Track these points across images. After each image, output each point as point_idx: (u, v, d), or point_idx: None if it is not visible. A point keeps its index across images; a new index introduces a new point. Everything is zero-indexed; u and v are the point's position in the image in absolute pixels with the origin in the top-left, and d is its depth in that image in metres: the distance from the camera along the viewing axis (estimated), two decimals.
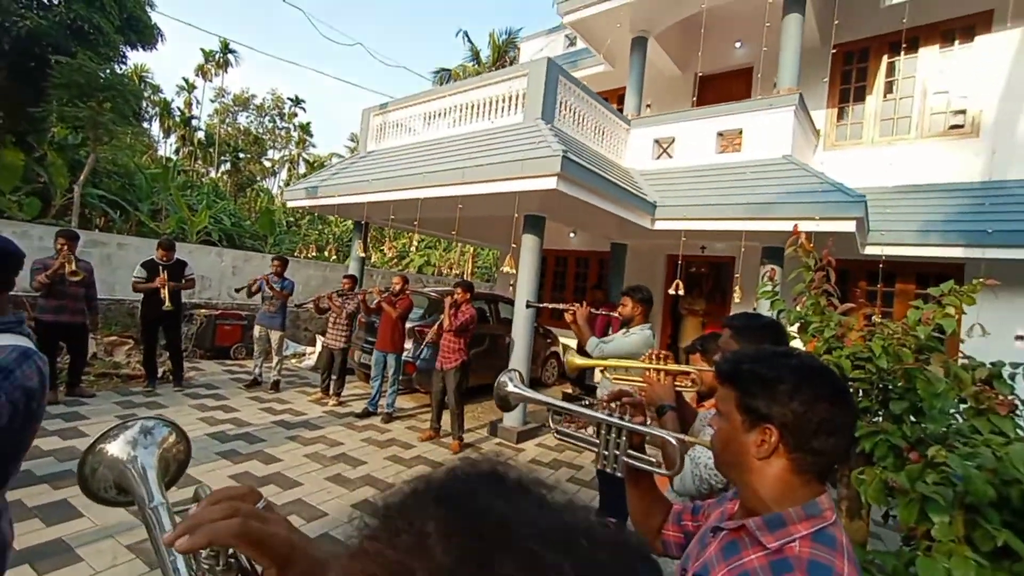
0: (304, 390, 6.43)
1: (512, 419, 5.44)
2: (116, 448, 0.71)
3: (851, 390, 2.45)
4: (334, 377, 6.01)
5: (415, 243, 8.41)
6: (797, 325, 2.91)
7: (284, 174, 32.89)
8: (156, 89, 26.89)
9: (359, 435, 5.01)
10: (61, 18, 10.15)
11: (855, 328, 2.77)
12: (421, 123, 6.68)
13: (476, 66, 19.53)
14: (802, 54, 6.05)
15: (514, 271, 5.04)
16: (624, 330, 3.29)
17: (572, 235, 8.80)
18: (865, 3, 6.53)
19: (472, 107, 6.12)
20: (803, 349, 2.74)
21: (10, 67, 10.33)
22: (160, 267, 5.49)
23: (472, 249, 17.63)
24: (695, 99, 7.36)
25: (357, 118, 7.87)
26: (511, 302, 7.51)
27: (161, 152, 28.63)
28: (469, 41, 19.57)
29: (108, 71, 11.26)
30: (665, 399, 1.97)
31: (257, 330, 6.17)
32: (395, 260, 19.15)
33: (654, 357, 2.27)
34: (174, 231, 13.02)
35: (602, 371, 2.90)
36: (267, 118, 33.45)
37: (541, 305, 3.57)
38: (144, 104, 21.19)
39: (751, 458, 0.87)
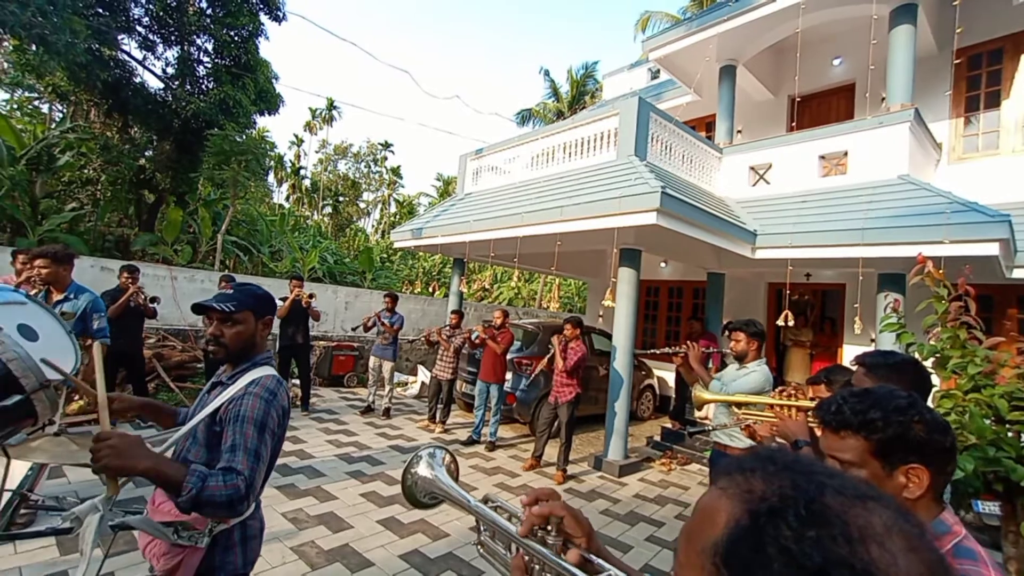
0: (411, 417, 6.90)
1: (615, 452, 5.45)
2: (422, 468, 0.95)
3: (1010, 433, 2.29)
4: (440, 406, 6.40)
5: (497, 276, 8.79)
6: (931, 360, 2.74)
7: (377, 214, 35.64)
8: (273, 146, 30.68)
9: (466, 462, 5.28)
10: (213, 98, 12.11)
11: (1008, 364, 2.56)
12: (516, 165, 7.11)
13: (556, 102, 20.20)
14: (915, 64, 5.72)
15: (613, 304, 5.15)
16: (738, 366, 3.27)
17: (663, 265, 8.73)
18: (993, 2, 6.06)
19: (565, 148, 6.44)
20: (940, 387, 2.58)
21: (177, 141, 12.46)
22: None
23: (556, 280, 17.86)
24: (793, 123, 7.14)
25: (441, 157, 8.54)
26: (604, 334, 7.58)
27: (275, 199, 32.36)
28: (549, 79, 20.35)
29: (244, 136, 13.15)
30: (799, 435, 1.99)
31: (372, 361, 6.76)
32: (480, 292, 19.86)
33: (787, 393, 2.29)
34: (289, 270, 14.62)
35: (727, 407, 2.92)
36: (362, 163, 36.71)
37: (650, 352, 3.63)
38: (266, 161, 24.19)
39: (900, 501, 0.91)
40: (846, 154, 5.88)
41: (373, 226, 34.09)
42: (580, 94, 20.05)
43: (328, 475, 4.49)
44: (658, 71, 10.55)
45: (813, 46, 7.41)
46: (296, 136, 34.47)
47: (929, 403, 1.43)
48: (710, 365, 6.47)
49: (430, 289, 19.57)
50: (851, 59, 7.42)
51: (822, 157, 6.06)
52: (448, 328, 6.45)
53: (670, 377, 8.10)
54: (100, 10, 11.34)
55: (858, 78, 7.33)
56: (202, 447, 1.51)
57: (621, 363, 5.53)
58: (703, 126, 9.39)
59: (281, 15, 13.24)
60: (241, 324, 1.55)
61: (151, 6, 11.92)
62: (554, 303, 21.12)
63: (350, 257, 19.52)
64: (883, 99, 5.91)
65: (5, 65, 13.91)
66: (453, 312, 6.67)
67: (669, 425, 6.79)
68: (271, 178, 33.12)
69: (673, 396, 7.46)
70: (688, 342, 3.38)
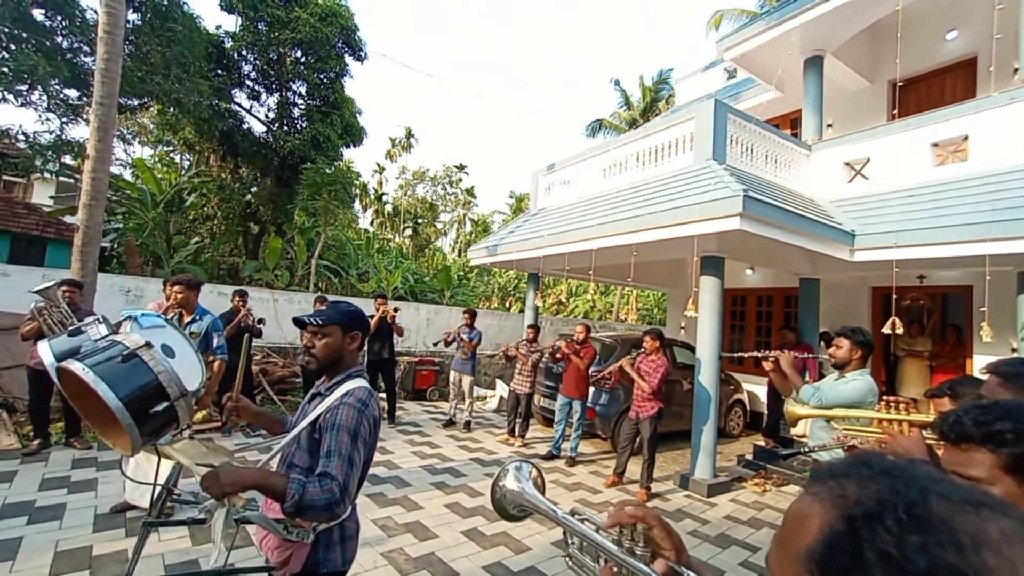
0: (491, 431, 7.01)
1: (702, 471, 5.16)
2: (509, 481, 0.99)
3: None
4: (519, 420, 6.45)
5: (573, 290, 8.72)
6: None
7: (453, 233, 36.99)
8: (358, 175, 33.10)
9: (547, 476, 5.25)
10: (306, 136, 13.40)
11: None
12: (589, 177, 7.09)
13: (628, 111, 19.93)
14: None
15: (695, 314, 4.93)
16: (837, 375, 2.99)
17: (749, 272, 8.21)
18: None
19: (638, 157, 6.33)
20: None
21: (276, 177, 13.91)
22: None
23: (634, 292, 17.40)
24: (895, 111, 6.47)
25: (514, 175, 8.68)
26: (687, 346, 7.25)
27: (361, 224, 34.78)
28: (620, 89, 20.15)
29: (332, 168, 14.35)
30: (915, 452, 1.77)
31: (452, 375, 6.99)
32: (555, 306, 19.83)
33: (895, 405, 2.06)
34: (375, 289, 15.58)
35: (826, 421, 2.68)
36: (439, 186, 38.42)
37: (736, 355, 3.43)
38: (352, 189, 26.12)
39: None
40: (966, 139, 5.22)
41: (450, 245, 35.40)
42: (654, 101, 19.63)
43: (414, 485, 4.68)
44: (735, 71, 10.07)
45: (919, 22, 6.71)
46: (378, 164, 36.92)
47: None
48: (807, 377, 5.98)
49: (506, 304, 19.88)
50: (969, 31, 6.61)
51: (935, 144, 5.42)
52: (525, 343, 6.51)
53: (762, 392, 7.54)
54: (219, 71, 13.02)
55: (980, 51, 6.50)
56: (305, 452, 1.66)
57: (706, 376, 5.26)
58: (788, 123, 8.80)
59: (363, 55, 14.40)
60: (329, 337, 1.70)
61: (257, 62, 13.49)
62: (632, 315, 20.55)
63: (430, 276, 20.40)
64: (1016, 70, 5.19)
65: (150, 126, 16.37)
66: (530, 327, 6.74)
67: (762, 443, 6.30)
68: (357, 205, 35.69)
69: (765, 412, 6.93)
70: (777, 348, 3.14)
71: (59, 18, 9.13)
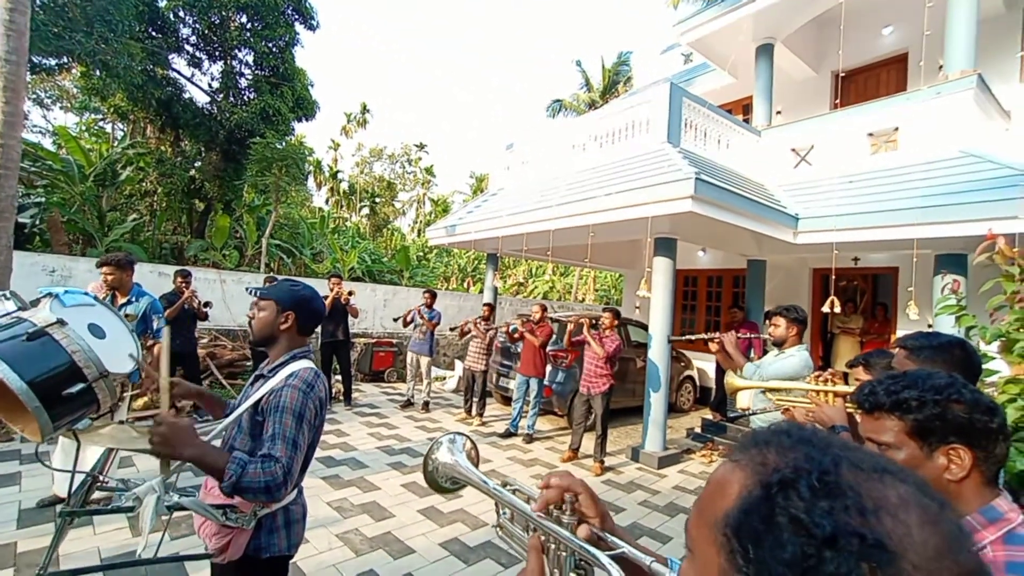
0: (450, 411, 7.02)
1: (653, 444, 5.37)
2: (442, 454, 0.98)
3: None
4: (475, 399, 6.49)
5: (532, 271, 8.78)
6: (997, 344, 2.56)
7: (412, 213, 36.26)
8: (311, 151, 31.73)
9: (504, 454, 5.33)
10: (254, 108, 12.66)
11: None
12: (548, 158, 7.08)
13: (588, 93, 19.95)
14: (978, 26, 5.29)
15: (649, 294, 5.07)
16: (776, 352, 3.16)
17: (701, 253, 8.50)
18: None
19: (596, 138, 6.36)
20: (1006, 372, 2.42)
21: (223, 151, 13.11)
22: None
23: (592, 273, 17.70)
24: (837, 100, 6.77)
25: (476, 155, 8.57)
26: (640, 325, 7.46)
27: (315, 203, 33.50)
28: (581, 69, 20.10)
29: (283, 143, 13.68)
30: (836, 420, 1.93)
31: (409, 356, 6.92)
32: (516, 287, 19.92)
33: (823, 378, 2.20)
34: (330, 270, 15.13)
35: (763, 392, 2.84)
36: (397, 165, 37.43)
37: (684, 338, 3.55)
38: (305, 165, 25.05)
39: (942, 483, 0.86)
40: (896, 129, 5.54)
41: (409, 225, 34.71)
42: (612, 83, 19.71)
43: (371, 466, 4.64)
44: (691, 55, 10.23)
45: (859, 16, 6.99)
46: (333, 140, 35.48)
47: (981, 387, 1.35)
48: (752, 355, 6.29)
49: (465, 285, 19.80)
50: (903, 27, 6.96)
51: (870, 134, 5.73)
52: (481, 319, 6.52)
53: (710, 368, 7.89)
54: (153, 32, 12.02)
55: (911, 47, 6.87)
56: (247, 436, 1.60)
57: (658, 353, 5.44)
58: (740, 109, 9.05)
59: (315, 23, 13.65)
60: (264, 311, 1.65)
61: (198, 25, 12.55)
62: (590, 296, 20.94)
63: (388, 256, 20.00)
64: (940, 67, 5.52)
65: (74, 90, 15.01)
66: (485, 304, 6.75)
67: (710, 416, 6.62)
68: (310, 182, 34.28)
69: (714, 387, 7.27)
70: (720, 330, 3.29)
71: None
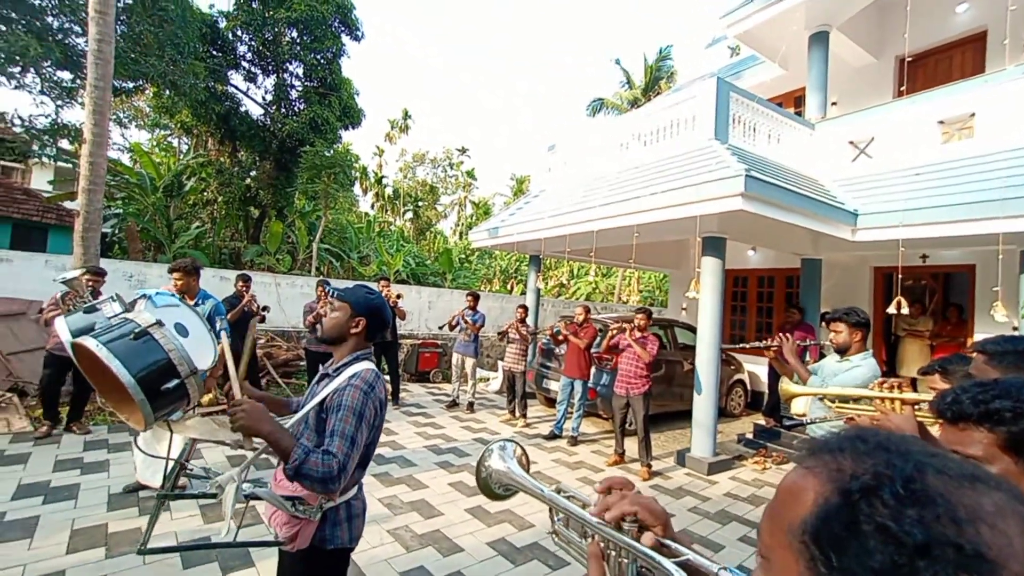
0: (494, 411, 7.09)
1: (702, 449, 5.23)
2: (494, 461, 1.00)
3: None
4: (517, 400, 6.52)
5: (574, 272, 8.71)
6: None
7: (454, 216, 36.82)
8: (357, 158, 32.79)
9: (549, 456, 5.33)
10: (304, 118, 13.24)
11: None
12: (590, 158, 7.03)
13: (629, 90, 19.64)
14: None
15: (697, 295, 4.95)
16: (838, 358, 3.00)
17: (752, 252, 8.20)
18: None
19: (639, 136, 6.27)
20: None
21: (275, 160, 13.80)
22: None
23: (636, 273, 17.40)
24: (902, 87, 6.37)
25: (517, 157, 8.60)
26: (688, 327, 7.28)
27: (361, 208, 34.60)
28: (621, 68, 19.82)
29: (332, 151, 14.24)
30: (907, 430, 1.79)
31: (455, 357, 7.04)
32: (558, 288, 19.85)
33: (889, 385, 2.08)
34: (376, 273, 15.59)
35: (820, 400, 2.71)
36: (439, 168, 38.11)
37: (739, 347, 3.42)
38: (352, 172, 25.92)
39: None
40: (973, 115, 5.16)
41: (451, 228, 35.26)
42: (655, 80, 19.32)
43: (419, 465, 4.75)
44: (738, 48, 9.90)
45: None
46: (377, 147, 36.58)
47: None
48: (807, 358, 6.01)
49: (508, 287, 19.89)
50: (980, 3, 6.46)
51: (941, 122, 5.36)
52: (518, 322, 6.55)
53: (762, 372, 7.59)
54: (214, 52, 12.81)
55: (991, 24, 6.37)
56: (313, 431, 1.69)
57: (706, 356, 5.29)
58: (791, 102, 8.68)
59: (360, 34, 14.13)
60: (338, 312, 1.74)
61: (253, 42, 13.26)
62: (634, 296, 20.58)
63: (431, 259, 20.38)
64: None
65: (147, 109, 16.21)
66: (520, 307, 6.77)
67: (762, 422, 6.37)
68: (357, 188, 35.43)
69: (766, 392, 6.99)
70: (781, 335, 3.14)
71: None
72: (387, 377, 7.19)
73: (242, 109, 13.94)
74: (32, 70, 8.99)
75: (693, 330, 6.24)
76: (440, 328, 7.29)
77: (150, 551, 1.38)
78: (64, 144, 11.06)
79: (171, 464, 1.51)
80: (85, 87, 5.87)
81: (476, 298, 7.04)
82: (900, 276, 5.23)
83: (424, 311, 10.34)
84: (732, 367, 7.78)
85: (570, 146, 7.51)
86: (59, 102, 9.81)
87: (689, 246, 8.74)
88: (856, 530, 0.36)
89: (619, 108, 19.19)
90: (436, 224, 34.67)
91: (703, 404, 5.28)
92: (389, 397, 7.02)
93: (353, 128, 16.11)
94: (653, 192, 5.02)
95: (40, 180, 17.99)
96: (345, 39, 13.97)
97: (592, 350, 5.94)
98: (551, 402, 7.25)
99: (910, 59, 6.59)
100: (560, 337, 5.90)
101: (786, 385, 2.55)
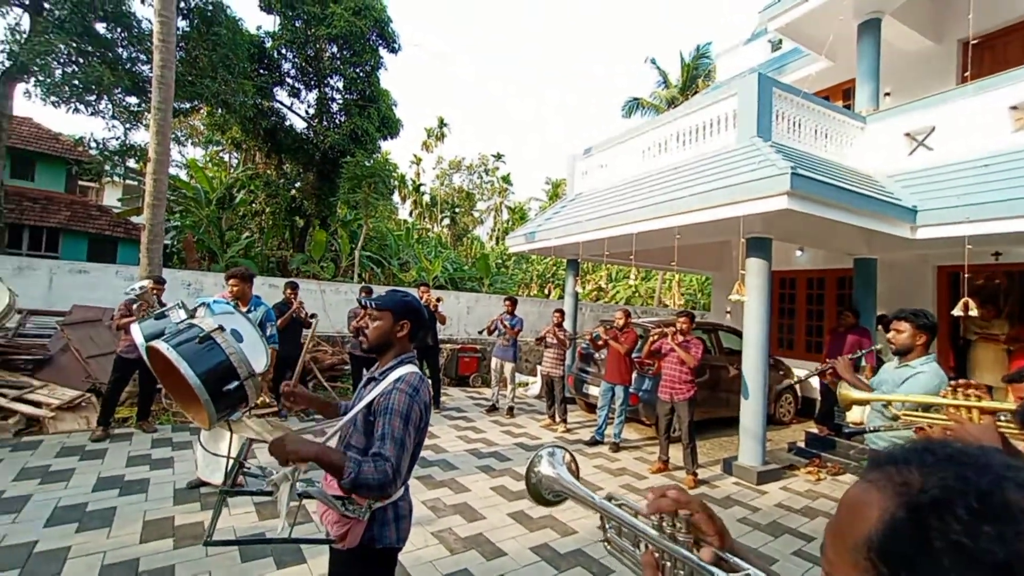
0: (534, 416, 7.08)
1: (750, 457, 5.04)
2: (544, 467, 1.00)
3: None
4: (556, 404, 6.49)
5: (613, 275, 8.60)
6: None
7: (490, 222, 37.14)
8: (395, 167, 33.65)
9: (591, 462, 5.27)
10: (345, 130, 13.74)
11: None
12: (627, 160, 6.95)
13: (666, 89, 19.30)
14: None
15: (742, 297, 4.79)
16: (897, 362, 2.80)
17: (799, 253, 7.86)
18: None
19: (678, 136, 6.14)
20: None
21: (318, 171, 14.37)
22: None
23: (677, 276, 17.01)
24: (966, 73, 5.97)
25: (547, 166, 8.59)
26: (733, 331, 7.05)
27: (400, 216, 35.44)
28: (657, 67, 19.50)
29: (371, 161, 14.68)
30: (986, 441, 1.66)
31: (494, 362, 7.09)
32: (596, 292, 19.65)
33: (966, 392, 1.93)
34: (416, 279, 15.91)
35: (883, 407, 2.57)
36: (475, 175, 38.57)
37: (807, 375, 3.20)
38: (391, 181, 26.58)
39: None
40: None
41: (488, 234, 35.57)
42: (693, 78, 18.89)
43: (460, 468, 4.81)
44: (780, 42, 9.54)
45: None
46: (415, 156, 37.42)
47: None
48: (863, 365, 5.69)
49: (545, 291, 19.86)
50: None
51: (1014, 107, 4.97)
52: (555, 327, 6.52)
53: (814, 379, 7.24)
54: (261, 70, 13.50)
55: None
56: (361, 433, 1.75)
57: (753, 361, 5.11)
58: (839, 95, 8.29)
59: (397, 46, 14.54)
60: (380, 320, 1.77)
61: (296, 59, 13.89)
62: (676, 300, 20.10)
63: (468, 264, 20.61)
64: None
65: (200, 127, 17.26)
66: (556, 311, 6.73)
67: (814, 430, 6.08)
68: (396, 196, 36.32)
69: (818, 398, 6.67)
70: (830, 359, 2.94)
71: (119, 30, 9.71)
72: (428, 381, 7.32)
73: (287, 123, 14.60)
74: (105, 97, 9.74)
75: (738, 334, 6.05)
76: (480, 333, 7.36)
77: (214, 543, 1.46)
78: (131, 163, 11.92)
79: (231, 462, 1.60)
80: (149, 110, 6.31)
81: (514, 303, 7.08)
82: (968, 276, 4.88)
83: (463, 316, 10.47)
84: (781, 372, 7.47)
85: (606, 148, 7.44)
86: (127, 125, 10.60)
87: (732, 247, 8.47)
88: (927, 548, 0.35)
89: (656, 108, 18.87)
90: (473, 230, 35.06)
91: (751, 410, 5.09)
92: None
93: (391, 138, 16.55)
94: (693, 193, 4.91)
95: (111, 197, 19.43)
96: (382, 52, 14.42)
97: (633, 355, 5.84)
98: (591, 407, 7.18)
99: (975, 42, 6.17)
100: (600, 342, 5.83)
101: (846, 390, 2.42)
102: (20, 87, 9.49)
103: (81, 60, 9.30)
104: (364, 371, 6.55)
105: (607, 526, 0.84)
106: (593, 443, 5.82)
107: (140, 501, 3.58)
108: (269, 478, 1.55)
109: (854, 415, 4.95)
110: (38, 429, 4.94)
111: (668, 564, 0.68)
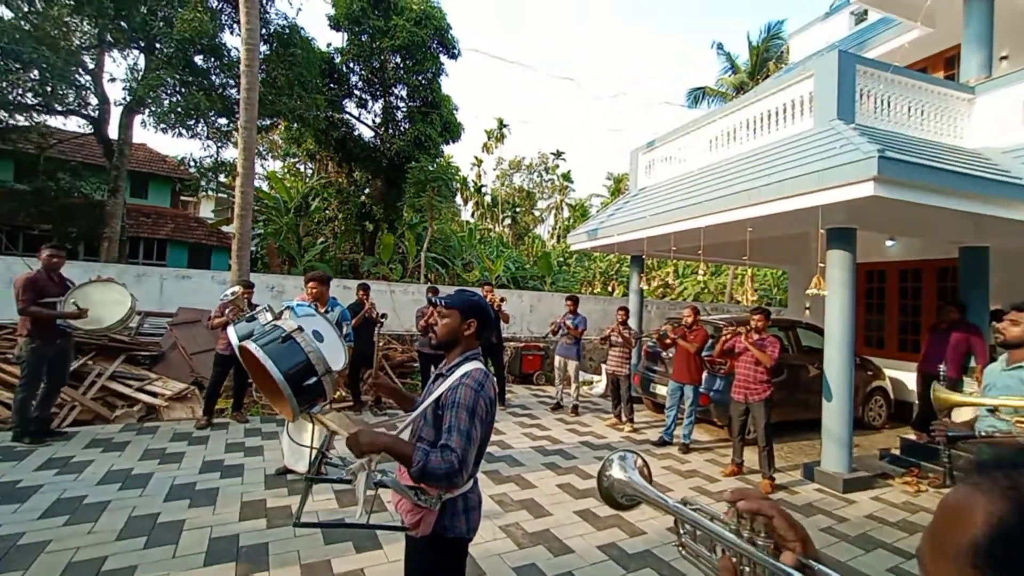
0: (599, 415, 7.01)
1: (835, 463, 4.69)
2: (615, 471, 1.00)
3: None
4: (622, 404, 6.37)
5: (680, 271, 8.28)
6: None
7: (551, 220, 37.07)
8: (457, 170, 34.47)
9: (659, 463, 5.14)
10: (409, 136, 14.28)
11: None
12: (693, 151, 6.69)
13: (733, 76, 18.31)
14: None
15: (823, 292, 4.46)
16: (1004, 358, 2.48)
17: (890, 243, 7.17)
18: None
19: (748, 124, 5.82)
20: None
21: (385, 178, 15.05)
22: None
23: (749, 271, 16.13)
24: None
25: (611, 157, 8.42)
26: (812, 328, 6.59)
27: (463, 217, 36.28)
28: (723, 52, 18.54)
29: (435, 165, 15.16)
30: None
31: (558, 360, 7.09)
32: (662, 289, 19.06)
33: None
34: (479, 278, 16.23)
35: (990, 412, 2.30)
36: (535, 174, 38.65)
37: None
38: (453, 184, 27.28)
39: None
40: None
41: (549, 232, 35.55)
42: (763, 61, 17.75)
43: (526, 465, 4.86)
44: (864, 13, 8.75)
45: None
46: (476, 157, 38.12)
47: None
48: (972, 364, 5.10)
49: (608, 288, 19.50)
50: None
51: None
52: (619, 325, 6.39)
53: (909, 379, 6.60)
54: (331, 84, 14.34)
55: None
56: (431, 427, 1.83)
57: (836, 360, 4.74)
58: (940, 64, 7.47)
59: (456, 52, 14.88)
60: (448, 319, 1.85)
61: (363, 71, 14.62)
62: (749, 296, 19.03)
63: (530, 263, 20.72)
64: None
65: (279, 141, 18.67)
66: (620, 309, 6.59)
67: (912, 436, 5.53)
68: (458, 199, 37.21)
69: (916, 402, 6.06)
70: (939, 327, 2.68)
71: (212, 60, 10.74)
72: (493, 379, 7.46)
73: (356, 133, 15.41)
74: (201, 120, 10.84)
75: (819, 331, 5.63)
76: (545, 337, 7.40)
77: (302, 525, 1.60)
78: (221, 178, 13.16)
79: (314, 452, 1.74)
80: (237, 129, 6.94)
81: (576, 302, 7.03)
82: None
83: (526, 314, 10.55)
84: (869, 373, 6.87)
85: (670, 140, 7.19)
86: (218, 144, 11.70)
87: (811, 239, 7.90)
88: None
89: (723, 96, 17.93)
90: (534, 228, 35.18)
91: (834, 413, 4.73)
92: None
93: (453, 142, 16.97)
94: (767, 183, 4.64)
95: (205, 210, 21.51)
96: (443, 59, 14.82)
97: (703, 354, 5.62)
98: (659, 407, 6.98)
99: None
100: (667, 340, 5.66)
101: (941, 392, 2.20)
102: (137, 118, 10.78)
103: (183, 90, 10.41)
104: (432, 368, 6.80)
105: (681, 530, 0.83)
106: (661, 444, 5.67)
107: (237, 484, 3.96)
108: (348, 467, 1.67)
109: (963, 415, 4.47)
110: (155, 416, 5.60)
111: (747, 569, 0.66)
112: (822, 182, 4.14)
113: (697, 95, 18.83)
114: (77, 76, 10.06)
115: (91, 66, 10.54)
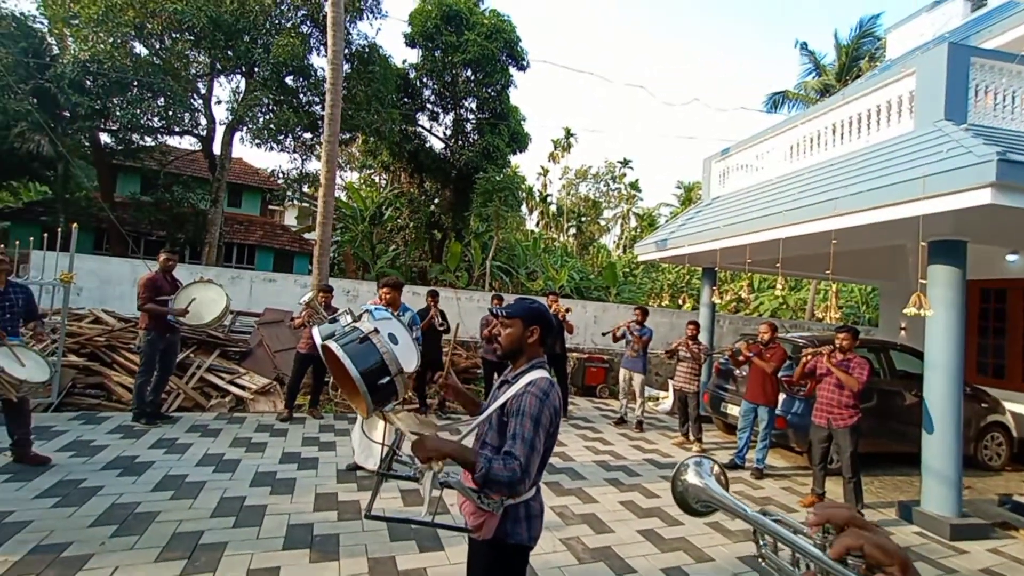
0: (665, 433, 6.75)
1: (940, 505, 4.18)
2: (690, 476, 0.98)
3: None
4: (690, 422, 6.09)
5: (755, 285, 7.81)
6: None
7: (617, 229, 36.44)
8: (523, 179, 34.83)
9: (730, 487, 4.82)
10: (478, 147, 14.66)
11: None
12: (772, 159, 6.33)
13: (818, 78, 17.13)
14: None
15: (925, 312, 4.02)
16: None
17: (1012, 257, 6.33)
18: None
19: (835, 129, 5.42)
20: None
21: (454, 188, 15.54)
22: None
23: (834, 286, 14.92)
24: None
25: (682, 165, 8.13)
26: (910, 351, 5.97)
27: (528, 226, 36.55)
28: (807, 52, 17.42)
29: (501, 175, 15.44)
30: None
31: (622, 373, 6.92)
32: (735, 303, 18.09)
33: None
34: (543, 288, 16.24)
35: None
36: (601, 183, 38.23)
37: None
38: (519, 193, 27.60)
39: None
40: None
41: (614, 242, 34.96)
42: (853, 60, 16.46)
43: (588, 479, 4.77)
44: (981, 2, 7.88)
45: None
46: (542, 167, 38.36)
47: None
48: None
49: (678, 302, 18.82)
50: None
51: None
52: (688, 340, 6.12)
53: None
54: (406, 99, 15.08)
55: None
56: (495, 432, 1.85)
57: (939, 388, 4.24)
58: None
59: (525, 64, 15.12)
60: (511, 328, 1.86)
61: (435, 86, 15.23)
62: (832, 313, 17.57)
63: (594, 273, 20.46)
64: None
65: (357, 154, 19.90)
66: (690, 323, 6.30)
67: None
68: (524, 208, 37.56)
69: None
70: None
71: (301, 80, 11.69)
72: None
73: (427, 145, 16.06)
74: (290, 135, 11.84)
75: (918, 355, 5.09)
76: (604, 335, 7.26)
77: (372, 517, 1.67)
78: (304, 188, 14.23)
79: (385, 449, 1.82)
80: (321, 143, 7.48)
81: (644, 313, 6.84)
82: None
83: (589, 325, 10.42)
84: (984, 405, 6.09)
85: (747, 148, 6.85)
86: (303, 157, 12.70)
87: (908, 252, 7.16)
88: None
89: (805, 100, 16.81)
90: (599, 238, 34.74)
91: (938, 447, 4.23)
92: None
93: (520, 152, 17.20)
94: (857, 191, 4.28)
95: (289, 218, 23.31)
96: (512, 71, 15.10)
97: (781, 374, 5.25)
98: (730, 428, 6.61)
99: None
100: (741, 358, 5.35)
101: None
102: (236, 135, 11.99)
103: (275, 108, 11.44)
104: (495, 375, 6.87)
105: (761, 542, 0.80)
106: (732, 467, 5.35)
107: (312, 476, 4.22)
108: (416, 466, 1.73)
109: None
110: (243, 407, 6.11)
111: None
112: (926, 189, 3.76)
113: (777, 99, 17.81)
114: (192, 100, 11.40)
115: (203, 91, 11.89)
